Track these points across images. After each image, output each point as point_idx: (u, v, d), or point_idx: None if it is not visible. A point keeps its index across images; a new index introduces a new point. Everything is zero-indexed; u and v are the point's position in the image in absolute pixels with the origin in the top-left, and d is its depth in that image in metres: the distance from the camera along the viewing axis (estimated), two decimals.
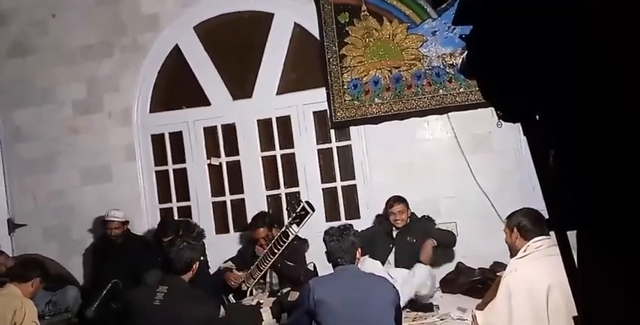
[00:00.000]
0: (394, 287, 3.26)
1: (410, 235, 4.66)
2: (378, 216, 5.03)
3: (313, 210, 4.46)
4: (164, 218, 5.35)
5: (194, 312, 2.94)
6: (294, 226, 4.44)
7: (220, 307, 4.45)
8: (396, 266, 4.60)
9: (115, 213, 5.21)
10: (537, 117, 1.18)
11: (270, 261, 4.53)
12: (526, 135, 1.20)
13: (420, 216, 4.82)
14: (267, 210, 5.23)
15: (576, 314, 1.17)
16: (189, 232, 4.52)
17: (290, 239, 4.47)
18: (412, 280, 4.26)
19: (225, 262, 4.91)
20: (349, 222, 5.03)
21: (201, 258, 3.78)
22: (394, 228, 4.74)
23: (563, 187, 1.11)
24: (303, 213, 4.43)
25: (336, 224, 4.29)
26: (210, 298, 3.22)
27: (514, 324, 2.87)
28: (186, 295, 3.04)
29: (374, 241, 4.73)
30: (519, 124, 1.26)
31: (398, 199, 4.73)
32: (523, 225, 3.06)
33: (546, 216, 1.19)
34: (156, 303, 2.95)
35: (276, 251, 4.49)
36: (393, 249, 4.69)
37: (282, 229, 4.52)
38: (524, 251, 2.98)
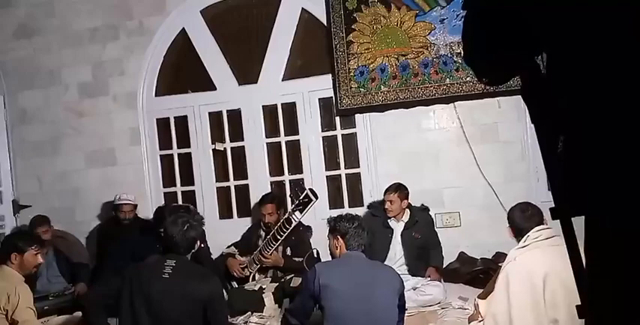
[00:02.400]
0: (399, 275, 3.27)
1: (414, 231, 4.62)
2: (370, 204, 4.99)
3: (317, 198, 4.47)
4: (161, 206, 5.16)
5: (200, 288, 2.97)
6: (297, 213, 4.45)
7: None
8: (408, 265, 4.56)
9: (127, 195, 5.23)
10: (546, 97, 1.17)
11: (273, 247, 4.54)
12: (533, 121, 1.19)
13: (418, 206, 4.74)
14: None
15: (575, 302, 1.17)
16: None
17: (293, 225, 4.47)
18: (422, 296, 4.17)
19: (228, 247, 4.92)
20: (352, 209, 5.06)
21: (203, 244, 3.77)
22: (391, 218, 4.65)
23: (574, 173, 1.10)
24: (306, 200, 4.43)
25: (339, 211, 4.30)
26: (214, 276, 3.24)
27: (513, 312, 2.90)
28: (191, 271, 3.07)
29: (374, 234, 4.68)
30: (527, 113, 1.25)
31: (393, 188, 4.61)
32: (513, 225, 3.13)
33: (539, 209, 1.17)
34: (165, 276, 2.97)
35: (279, 237, 4.50)
36: (402, 248, 4.61)
37: (285, 216, 4.53)
38: (524, 241, 3.02)
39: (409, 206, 4.67)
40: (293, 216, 4.46)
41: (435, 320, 3.85)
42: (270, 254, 4.54)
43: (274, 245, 4.53)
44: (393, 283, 3.15)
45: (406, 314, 3.76)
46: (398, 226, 4.63)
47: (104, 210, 5.63)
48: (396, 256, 4.59)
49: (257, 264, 4.66)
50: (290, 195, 4.87)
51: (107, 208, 5.56)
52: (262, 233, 4.79)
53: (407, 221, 4.62)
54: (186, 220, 3.15)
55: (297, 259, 4.55)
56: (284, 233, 4.48)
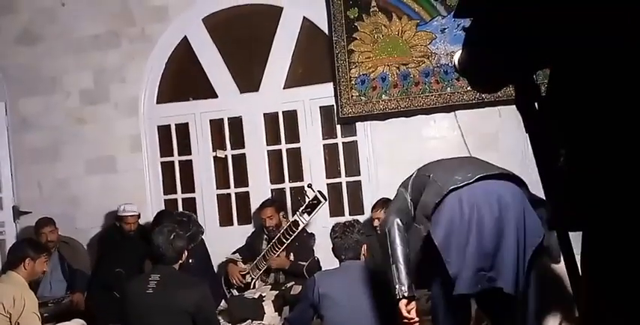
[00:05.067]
0: None
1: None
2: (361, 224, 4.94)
3: (325, 200, 4.47)
4: (160, 212, 5.14)
5: (185, 298, 2.99)
6: (305, 215, 4.43)
7: (217, 296, 4.45)
8: None
9: (131, 207, 5.17)
10: (539, 109, 1.16)
11: (277, 252, 4.53)
12: (528, 132, 1.19)
13: None
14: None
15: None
16: (186, 231, 4.32)
17: (300, 228, 4.46)
18: None
19: (233, 253, 4.92)
20: (353, 217, 5.03)
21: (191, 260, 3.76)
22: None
23: (574, 187, 1.09)
24: (315, 202, 4.42)
25: (340, 220, 4.31)
26: (200, 283, 3.25)
27: None
28: (176, 282, 3.10)
29: (374, 251, 4.66)
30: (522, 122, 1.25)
31: (379, 205, 4.62)
32: None
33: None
34: (149, 291, 3.00)
35: (284, 241, 4.49)
36: None
37: (293, 218, 4.52)
38: None
39: None
40: (301, 218, 4.45)
41: None
42: (277, 256, 4.52)
43: (279, 248, 4.52)
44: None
45: None
46: None
47: (104, 218, 5.61)
48: None
49: (259, 270, 4.65)
50: (298, 198, 4.85)
51: (108, 216, 5.55)
52: (265, 238, 4.79)
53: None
54: (172, 229, 3.16)
55: (301, 263, 4.54)
56: (290, 236, 4.47)
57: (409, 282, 2.78)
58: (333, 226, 3.44)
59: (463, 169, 2.81)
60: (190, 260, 4.51)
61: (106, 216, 5.59)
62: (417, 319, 2.80)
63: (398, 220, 2.89)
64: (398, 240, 2.83)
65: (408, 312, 2.78)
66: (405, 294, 2.77)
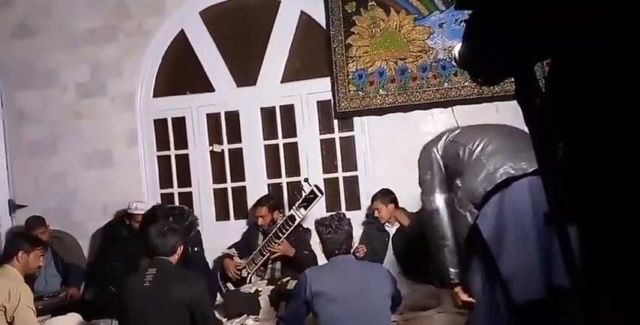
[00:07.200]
0: (389, 272, 3.30)
1: (406, 231, 4.63)
2: (367, 214, 4.99)
3: (322, 194, 4.47)
4: (154, 207, 4.95)
5: (180, 291, 3.03)
6: (301, 210, 4.44)
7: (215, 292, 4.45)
8: (401, 266, 4.56)
9: (143, 205, 5.09)
10: (539, 103, 1.16)
11: (274, 245, 4.53)
12: (528, 126, 1.18)
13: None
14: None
15: None
16: (182, 221, 4.35)
17: (296, 223, 4.46)
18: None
19: (229, 248, 4.91)
20: (350, 212, 5.05)
21: (197, 248, 3.76)
22: (386, 223, 4.70)
23: (572, 181, 1.09)
24: (311, 196, 4.43)
25: None
26: (197, 278, 3.28)
27: None
28: (172, 275, 3.14)
29: (372, 239, 4.74)
30: (523, 118, 1.24)
31: (377, 196, 4.68)
32: None
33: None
34: (146, 284, 3.03)
35: (280, 235, 4.49)
36: (391, 249, 4.65)
37: (289, 212, 4.52)
38: None
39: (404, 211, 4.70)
40: (297, 212, 4.45)
41: (431, 324, 3.84)
42: (282, 241, 4.51)
43: (276, 243, 4.52)
44: (385, 284, 3.17)
45: (402, 318, 3.77)
46: (392, 230, 4.66)
47: (101, 212, 5.59)
48: (393, 259, 4.61)
49: (256, 264, 4.65)
50: (294, 192, 4.86)
51: (105, 210, 5.54)
52: (261, 232, 4.79)
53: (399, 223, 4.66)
54: (165, 223, 3.19)
55: (305, 252, 4.54)
56: (286, 230, 4.47)
57: (461, 266, 2.68)
58: (322, 221, 3.32)
59: (518, 156, 2.51)
60: (196, 248, 4.52)
61: (103, 210, 5.57)
62: (473, 300, 2.68)
63: (445, 197, 2.74)
64: (447, 221, 2.71)
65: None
66: (460, 279, 2.70)
